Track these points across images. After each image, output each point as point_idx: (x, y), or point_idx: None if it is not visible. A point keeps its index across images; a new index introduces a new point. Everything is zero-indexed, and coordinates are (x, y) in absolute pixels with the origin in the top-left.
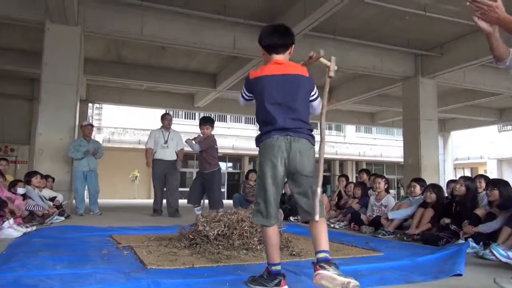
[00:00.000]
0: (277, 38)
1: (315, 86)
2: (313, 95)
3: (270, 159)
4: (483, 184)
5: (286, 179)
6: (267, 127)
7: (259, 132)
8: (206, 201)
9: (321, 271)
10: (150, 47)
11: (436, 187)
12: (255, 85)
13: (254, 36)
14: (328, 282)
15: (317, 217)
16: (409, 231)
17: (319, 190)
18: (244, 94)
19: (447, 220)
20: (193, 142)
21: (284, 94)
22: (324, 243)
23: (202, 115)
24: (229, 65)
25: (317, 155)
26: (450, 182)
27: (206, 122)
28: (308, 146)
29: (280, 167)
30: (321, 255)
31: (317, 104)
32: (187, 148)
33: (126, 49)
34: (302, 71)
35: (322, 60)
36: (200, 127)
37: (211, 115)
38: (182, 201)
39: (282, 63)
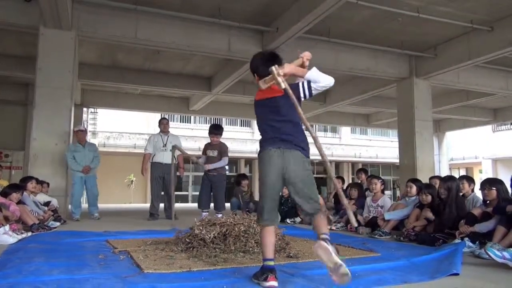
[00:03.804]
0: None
1: (298, 86)
2: (303, 95)
3: (266, 169)
4: (466, 185)
5: (284, 186)
6: (264, 142)
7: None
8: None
9: (323, 242)
10: (144, 51)
11: (430, 188)
12: (255, 108)
13: (248, 39)
14: (324, 254)
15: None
16: (406, 228)
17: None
18: None
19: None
20: (217, 161)
21: (274, 113)
22: (326, 228)
23: (197, 118)
24: (224, 68)
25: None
26: (432, 178)
27: (219, 129)
28: (300, 155)
29: (275, 176)
30: (324, 236)
31: (314, 80)
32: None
33: (121, 53)
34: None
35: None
36: (211, 134)
37: (206, 118)
38: (179, 205)
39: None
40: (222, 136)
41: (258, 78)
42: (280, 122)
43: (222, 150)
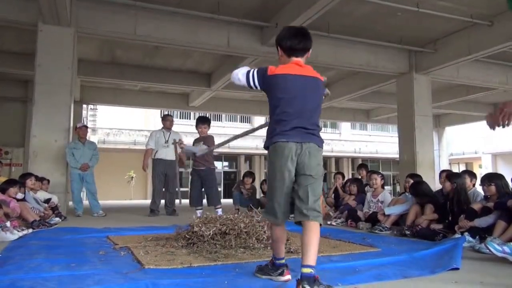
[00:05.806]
0: (297, 41)
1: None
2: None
3: (283, 162)
4: (468, 180)
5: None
6: (282, 127)
7: (272, 130)
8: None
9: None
10: (144, 47)
11: (415, 189)
12: (275, 81)
13: (247, 35)
14: None
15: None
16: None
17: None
18: (252, 82)
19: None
20: (201, 147)
21: (304, 95)
22: (312, 256)
23: (197, 114)
24: (223, 64)
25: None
26: (443, 172)
27: (204, 121)
28: (317, 148)
29: (292, 169)
30: (305, 270)
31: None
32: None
33: (120, 50)
34: (318, 75)
35: None
36: (197, 126)
37: (206, 114)
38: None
39: (303, 65)
40: (222, 132)
41: (281, 51)
42: (310, 105)
43: (206, 141)
